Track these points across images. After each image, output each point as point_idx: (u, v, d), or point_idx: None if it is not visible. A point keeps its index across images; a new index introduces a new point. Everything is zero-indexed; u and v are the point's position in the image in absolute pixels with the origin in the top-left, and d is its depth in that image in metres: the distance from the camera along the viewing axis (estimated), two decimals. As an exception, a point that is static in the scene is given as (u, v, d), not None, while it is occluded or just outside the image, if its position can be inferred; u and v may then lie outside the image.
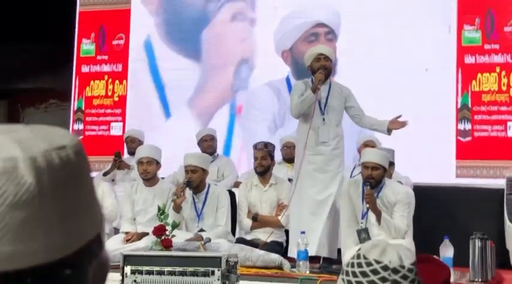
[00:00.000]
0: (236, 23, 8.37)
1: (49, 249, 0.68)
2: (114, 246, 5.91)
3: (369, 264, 1.45)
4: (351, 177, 6.29)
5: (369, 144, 6.57)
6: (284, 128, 7.74)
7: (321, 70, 5.63)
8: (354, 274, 1.46)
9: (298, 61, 8.01)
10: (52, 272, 0.68)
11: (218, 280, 3.97)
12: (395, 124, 5.67)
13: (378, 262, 1.45)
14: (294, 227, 5.74)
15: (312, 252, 5.39)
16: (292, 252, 5.56)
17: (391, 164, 6.27)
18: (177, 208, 5.64)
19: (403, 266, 1.45)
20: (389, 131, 5.72)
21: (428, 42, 7.54)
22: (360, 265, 1.46)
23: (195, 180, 5.80)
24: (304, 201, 5.71)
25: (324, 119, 5.71)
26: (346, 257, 5.42)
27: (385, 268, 1.44)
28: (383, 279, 1.44)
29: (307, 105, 5.61)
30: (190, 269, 4.05)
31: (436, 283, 4.33)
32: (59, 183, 0.69)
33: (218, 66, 8.33)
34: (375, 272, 1.44)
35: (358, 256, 1.47)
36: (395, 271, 1.44)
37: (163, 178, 6.92)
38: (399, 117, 5.69)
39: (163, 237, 5.02)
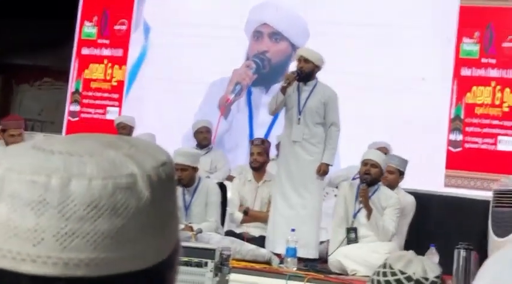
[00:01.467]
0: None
1: (154, 253, 0.76)
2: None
3: (393, 274, 1.51)
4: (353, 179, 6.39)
5: (381, 150, 6.67)
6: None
7: (293, 70, 5.83)
8: (379, 283, 1.52)
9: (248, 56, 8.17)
10: (152, 276, 0.76)
11: (211, 271, 4.04)
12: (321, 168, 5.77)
13: (402, 273, 1.50)
14: (271, 222, 5.84)
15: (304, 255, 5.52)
16: (269, 247, 5.66)
17: (401, 173, 6.36)
18: None
19: (426, 279, 1.50)
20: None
21: (427, 52, 7.65)
22: (385, 274, 1.52)
23: (184, 178, 5.84)
24: (278, 200, 5.83)
25: (299, 119, 5.82)
26: (333, 255, 5.55)
27: (409, 279, 1.49)
28: None
29: (275, 103, 5.84)
30: (184, 259, 4.12)
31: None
32: (163, 196, 0.77)
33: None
34: (398, 282, 1.50)
35: (385, 266, 1.53)
36: (418, 282, 1.49)
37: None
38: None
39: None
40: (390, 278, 1.50)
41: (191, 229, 5.54)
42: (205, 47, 8.24)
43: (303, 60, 5.85)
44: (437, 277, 1.51)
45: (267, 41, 8.15)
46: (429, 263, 1.55)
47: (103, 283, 0.72)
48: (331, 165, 5.86)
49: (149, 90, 8.56)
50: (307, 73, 5.84)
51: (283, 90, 5.74)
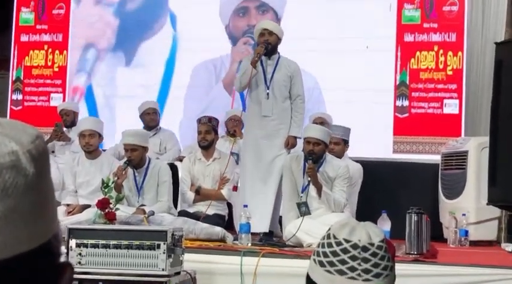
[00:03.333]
0: None
1: (33, 236, 0.73)
2: (55, 218, 5.91)
3: (338, 244, 1.49)
4: None
5: (317, 122, 6.70)
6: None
7: (261, 44, 5.74)
8: (325, 254, 1.50)
9: (235, 36, 8.10)
10: (31, 260, 0.73)
11: (164, 253, 4.01)
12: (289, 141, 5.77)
13: (347, 241, 1.48)
14: (239, 201, 5.84)
15: (259, 229, 5.51)
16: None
17: (346, 142, 6.44)
18: (119, 188, 5.65)
19: (372, 244, 1.49)
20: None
21: (369, 20, 7.67)
22: (330, 245, 1.49)
23: (135, 159, 5.80)
24: (247, 175, 5.81)
25: (268, 94, 5.80)
26: (287, 229, 5.56)
27: (355, 246, 1.48)
28: (353, 257, 1.47)
29: (246, 78, 5.72)
30: (136, 242, 4.08)
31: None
32: (45, 169, 0.75)
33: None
34: (345, 251, 1.48)
35: (328, 236, 1.51)
36: (364, 248, 1.48)
37: (105, 150, 6.91)
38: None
39: (107, 210, 5.02)
40: (336, 248, 1.49)
41: (143, 212, 5.50)
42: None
43: (267, 33, 5.82)
44: (381, 241, 1.50)
45: (255, 13, 8.07)
46: (372, 227, 1.54)
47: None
48: (299, 137, 5.85)
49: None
50: (273, 45, 5.81)
51: (254, 64, 5.67)
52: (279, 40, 5.90)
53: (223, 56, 8.13)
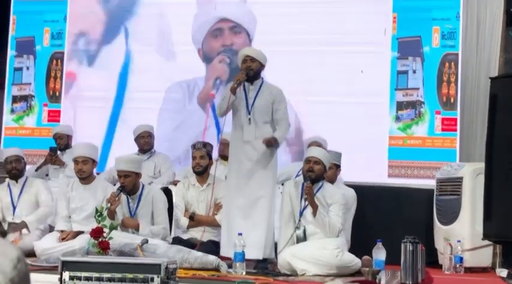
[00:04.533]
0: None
1: None
2: (49, 244, 5.88)
3: None
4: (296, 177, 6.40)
5: (313, 145, 6.72)
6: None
7: (242, 71, 5.77)
8: None
9: (209, 57, 8.16)
10: None
11: (157, 286, 3.99)
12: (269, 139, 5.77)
13: None
14: (225, 225, 5.83)
15: (249, 256, 5.48)
16: (225, 252, 5.65)
17: (338, 167, 6.49)
18: (112, 215, 5.64)
19: None
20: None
21: (364, 42, 7.68)
22: None
23: (128, 185, 5.80)
24: (233, 201, 5.81)
25: (249, 119, 5.81)
26: (282, 256, 5.54)
27: None
28: None
29: (225, 104, 5.76)
30: (130, 275, 4.06)
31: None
32: None
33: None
34: None
35: None
36: None
37: (98, 173, 6.89)
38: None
39: (100, 239, 5.00)
40: None
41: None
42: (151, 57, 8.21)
43: (249, 59, 5.83)
44: None
45: (228, 34, 8.15)
46: None
47: None
48: (279, 142, 5.83)
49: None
50: (255, 72, 5.83)
51: (234, 90, 5.69)
52: (261, 66, 5.90)
53: (196, 77, 8.17)
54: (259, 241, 5.70)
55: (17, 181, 6.43)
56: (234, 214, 5.78)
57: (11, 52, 8.84)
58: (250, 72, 5.80)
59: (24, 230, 6.30)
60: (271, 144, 5.75)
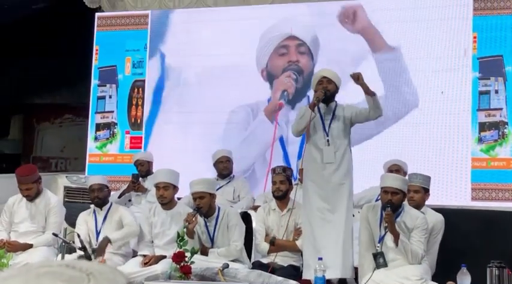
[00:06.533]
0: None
1: None
2: (132, 269, 5.96)
3: None
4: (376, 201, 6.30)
5: (393, 169, 6.61)
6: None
7: (320, 90, 5.76)
8: None
9: (273, 75, 8.20)
10: None
11: (239, 311, 4.01)
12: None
13: None
14: (307, 248, 5.79)
15: (329, 276, 5.44)
16: (307, 274, 5.62)
17: (427, 191, 6.24)
18: (190, 234, 5.70)
19: None
20: (366, 93, 5.70)
21: (444, 64, 7.57)
22: None
23: (204, 206, 5.87)
24: (312, 223, 5.77)
25: (328, 140, 5.78)
26: (363, 281, 5.46)
27: None
28: None
29: (304, 121, 5.72)
30: (211, 300, 4.09)
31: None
32: None
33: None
34: None
35: None
36: None
37: (179, 198, 6.97)
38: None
39: (182, 264, 5.05)
40: None
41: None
42: (219, 78, 8.33)
43: (326, 80, 5.82)
44: None
45: (294, 53, 8.22)
46: None
47: None
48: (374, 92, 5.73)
49: (169, 123, 8.62)
50: (332, 93, 5.81)
51: (313, 107, 5.68)
52: (337, 88, 5.87)
53: (259, 101, 8.24)
54: (337, 260, 5.64)
55: (101, 209, 6.57)
56: (315, 234, 5.74)
57: (94, 81, 9.10)
58: (327, 92, 5.78)
59: (108, 248, 6.34)
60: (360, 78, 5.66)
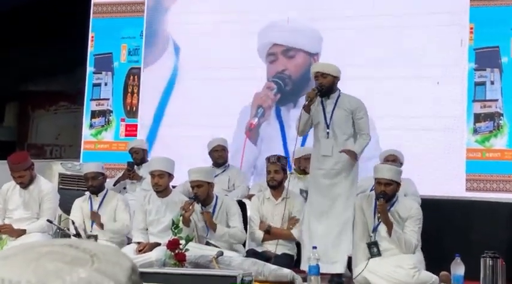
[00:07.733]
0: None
1: None
2: (126, 256, 5.97)
3: None
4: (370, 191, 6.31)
5: (389, 159, 6.61)
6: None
7: (313, 87, 5.74)
8: None
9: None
10: None
11: (233, 298, 4.01)
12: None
13: None
14: (306, 240, 5.80)
15: (330, 270, 5.46)
16: (305, 266, 5.63)
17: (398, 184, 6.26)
18: (186, 222, 5.70)
19: None
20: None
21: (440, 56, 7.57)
22: None
23: (201, 194, 5.87)
24: (312, 215, 5.78)
25: (327, 133, 5.76)
26: (357, 271, 5.48)
27: None
28: None
29: (302, 122, 5.74)
30: (205, 287, 4.10)
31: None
32: None
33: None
34: None
35: None
36: None
37: (174, 187, 6.97)
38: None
39: (177, 251, 5.06)
40: None
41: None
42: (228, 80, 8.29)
43: (320, 75, 5.78)
44: None
45: (282, 59, 8.16)
46: None
47: None
48: (357, 156, 5.75)
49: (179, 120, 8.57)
50: (327, 87, 5.78)
51: (307, 108, 5.67)
52: (335, 78, 5.82)
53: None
54: (342, 255, 5.66)
55: (97, 195, 6.56)
56: (316, 229, 5.74)
57: (89, 68, 9.06)
58: (322, 88, 5.75)
59: (102, 236, 6.35)
60: (349, 153, 5.70)
